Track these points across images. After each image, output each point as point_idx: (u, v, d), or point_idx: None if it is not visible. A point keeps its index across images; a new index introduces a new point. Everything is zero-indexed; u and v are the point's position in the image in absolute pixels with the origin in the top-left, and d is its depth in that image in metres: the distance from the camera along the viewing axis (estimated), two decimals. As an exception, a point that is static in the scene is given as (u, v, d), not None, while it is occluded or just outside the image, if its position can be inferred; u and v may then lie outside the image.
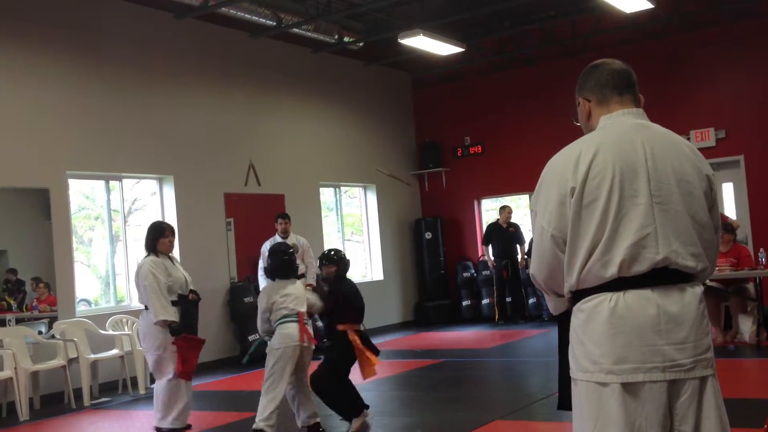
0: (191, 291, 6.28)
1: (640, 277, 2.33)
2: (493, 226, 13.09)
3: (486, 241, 13.12)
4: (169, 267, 6.18)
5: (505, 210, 13.10)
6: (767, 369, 8.08)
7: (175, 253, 10.18)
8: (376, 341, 11.76)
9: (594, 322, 2.36)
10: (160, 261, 6.16)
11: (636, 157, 2.40)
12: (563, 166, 2.43)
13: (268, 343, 5.88)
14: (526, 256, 12.90)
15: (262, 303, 5.94)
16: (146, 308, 6.15)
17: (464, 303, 14.12)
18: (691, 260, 2.37)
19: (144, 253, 6.36)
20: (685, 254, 2.36)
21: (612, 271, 2.33)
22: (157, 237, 6.25)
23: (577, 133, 2.62)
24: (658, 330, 2.30)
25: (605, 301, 2.35)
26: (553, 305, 2.63)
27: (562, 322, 2.57)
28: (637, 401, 2.29)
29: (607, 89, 2.56)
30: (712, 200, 2.48)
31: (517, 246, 13.04)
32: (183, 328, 6.07)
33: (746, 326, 9.10)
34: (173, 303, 6.10)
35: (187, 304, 6.21)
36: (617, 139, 2.44)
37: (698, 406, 2.32)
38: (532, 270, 2.56)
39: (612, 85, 2.56)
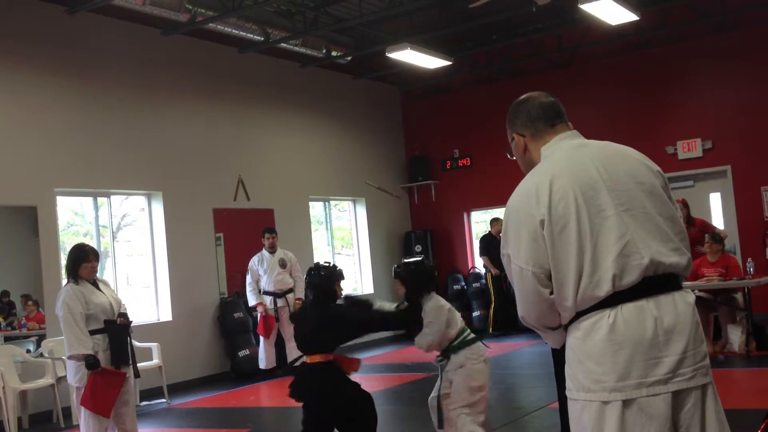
0: (120, 314, 5.80)
1: (633, 288, 2.33)
2: (488, 238, 13.09)
3: (485, 252, 13.01)
4: (89, 294, 5.68)
5: (498, 222, 13.11)
6: (757, 379, 8.10)
7: (182, 267, 10.29)
8: (366, 355, 11.78)
9: (593, 340, 2.34)
10: (78, 289, 5.65)
11: (589, 174, 2.43)
12: (525, 202, 2.45)
13: (462, 359, 5.08)
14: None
15: (441, 316, 5.13)
16: None
17: (455, 315, 14.06)
18: (675, 256, 2.40)
19: (66, 279, 5.86)
20: (667, 251, 2.38)
21: (606, 288, 2.33)
22: (80, 262, 5.73)
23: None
24: (657, 342, 2.30)
25: (603, 317, 2.34)
26: (552, 340, 2.59)
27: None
28: (643, 416, 2.28)
29: (539, 123, 2.64)
30: (668, 194, 2.53)
31: None
32: (103, 362, 5.61)
33: (735, 336, 9.12)
34: (100, 330, 5.67)
35: (115, 329, 5.73)
36: (566, 163, 2.48)
37: (702, 415, 2.32)
38: (521, 313, 2.54)
39: (543, 119, 2.63)
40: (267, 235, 10.65)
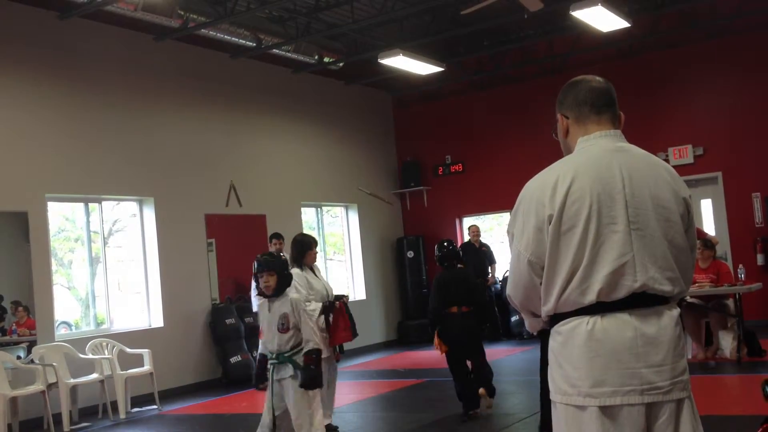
0: (337, 296, 6.66)
1: (617, 301, 2.34)
2: (467, 246, 13.11)
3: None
4: (311, 279, 6.51)
5: (470, 229, 13.14)
6: (748, 385, 8.10)
7: (174, 273, 10.25)
8: (359, 361, 11.77)
9: (571, 345, 2.36)
10: (303, 275, 6.40)
11: (613, 182, 2.40)
12: (541, 192, 2.42)
13: None
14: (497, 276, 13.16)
15: None
16: None
17: (447, 321, 14.06)
18: (668, 285, 2.38)
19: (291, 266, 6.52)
20: (662, 279, 2.37)
21: (590, 299, 2.34)
22: (306, 250, 6.54)
23: (557, 150, 2.64)
24: (636, 353, 2.31)
25: (582, 323, 2.35)
26: (529, 324, 2.64)
27: (544, 342, 2.57)
28: (616, 425, 2.29)
29: (585, 107, 2.54)
30: (689, 222, 2.50)
31: (489, 266, 13.06)
32: (321, 341, 6.48)
33: (726, 342, 9.15)
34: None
35: (331, 310, 6.58)
36: (594, 165, 2.44)
37: (675, 429, 2.33)
38: (509, 291, 2.57)
39: (590, 103, 2.54)
40: (274, 241, 10.54)
